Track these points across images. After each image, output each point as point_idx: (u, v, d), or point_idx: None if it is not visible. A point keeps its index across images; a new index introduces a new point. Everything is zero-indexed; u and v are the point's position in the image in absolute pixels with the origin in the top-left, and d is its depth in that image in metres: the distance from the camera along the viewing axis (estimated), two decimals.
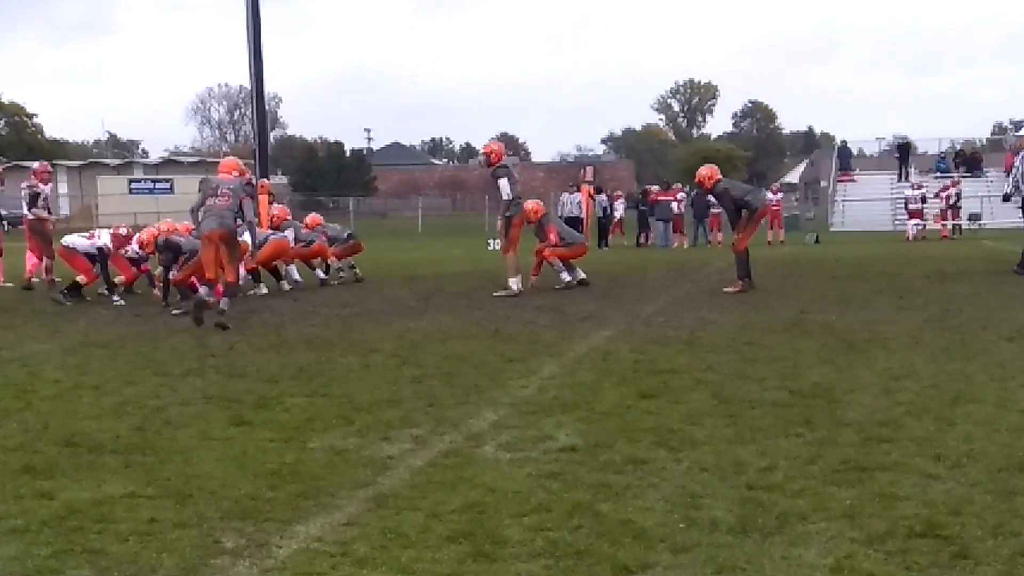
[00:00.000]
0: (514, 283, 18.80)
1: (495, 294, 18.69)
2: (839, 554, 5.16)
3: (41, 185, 21.58)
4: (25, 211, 21.07)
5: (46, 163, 23.03)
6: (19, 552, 5.37)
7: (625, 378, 9.94)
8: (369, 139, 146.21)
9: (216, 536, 5.60)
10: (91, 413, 8.76)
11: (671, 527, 5.63)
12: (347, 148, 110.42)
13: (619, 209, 43.39)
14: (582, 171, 40.61)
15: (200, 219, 15.28)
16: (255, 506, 6.10)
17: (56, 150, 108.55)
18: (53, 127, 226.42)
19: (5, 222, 21.71)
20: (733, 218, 19.32)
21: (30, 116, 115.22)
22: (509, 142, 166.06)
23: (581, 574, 4.97)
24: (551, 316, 15.27)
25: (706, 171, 19.68)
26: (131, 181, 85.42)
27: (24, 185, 21.34)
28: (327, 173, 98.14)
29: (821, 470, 6.66)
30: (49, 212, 21.53)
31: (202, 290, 14.85)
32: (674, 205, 39.74)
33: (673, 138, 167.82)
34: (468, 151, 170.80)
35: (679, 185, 44.64)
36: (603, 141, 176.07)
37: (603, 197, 41.20)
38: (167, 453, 7.38)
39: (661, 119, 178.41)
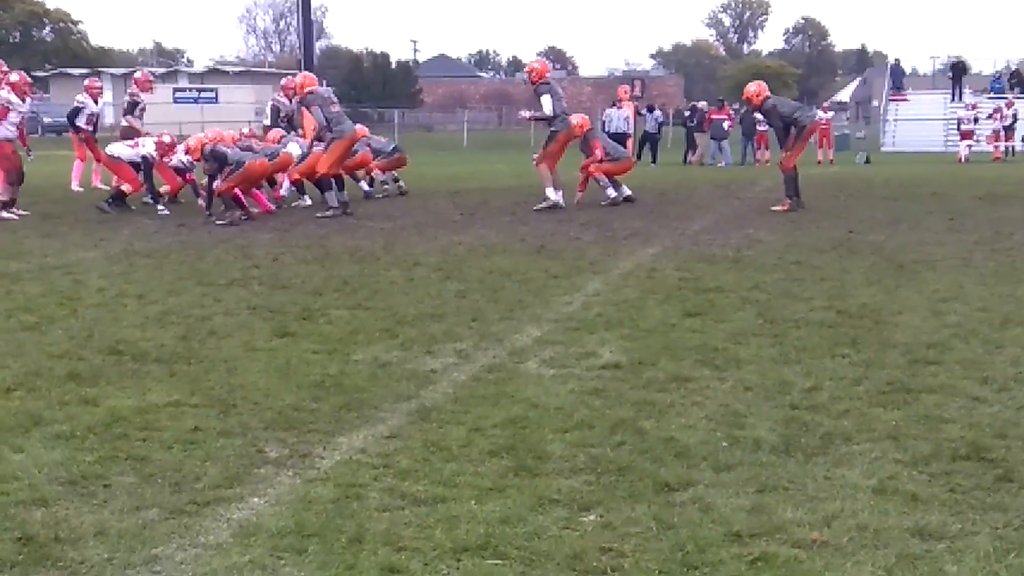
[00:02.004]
0: (552, 193, 18.70)
1: (536, 207, 18.62)
2: (883, 475, 5.13)
3: (142, 94, 21.72)
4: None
5: (148, 72, 22.87)
6: (64, 458, 5.40)
7: (670, 296, 9.90)
8: (415, 51, 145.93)
9: (259, 446, 5.62)
10: (135, 322, 8.80)
11: (714, 445, 5.61)
12: (393, 60, 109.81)
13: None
14: (622, 87, 40.16)
15: (335, 125, 17.39)
16: (298, 417, 6.12)
17: (101, 58, 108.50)
18: (98, 35, 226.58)
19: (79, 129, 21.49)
20: (781, 136, 19.05)
21: (75, 23, 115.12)
22: (557, 56, 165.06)
23: (622, 491, 4.95)
24: (596, 233, 15.21)
25: (754, 88, 19.40)
26: (176, 90, 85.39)
27: (128, 92, 21.60)
28: (372, 85, 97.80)
29: (867, 391, 6.62)
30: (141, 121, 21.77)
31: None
32: (726, 124, 39.33)
33: (723, 54, 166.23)
34: (515, 64, 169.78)
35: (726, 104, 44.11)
36: (652, 56, 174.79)
37: (658, 114, 40.82)
38: (211, 363, 7.41)
39: (712, 34, 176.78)
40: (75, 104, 21.54)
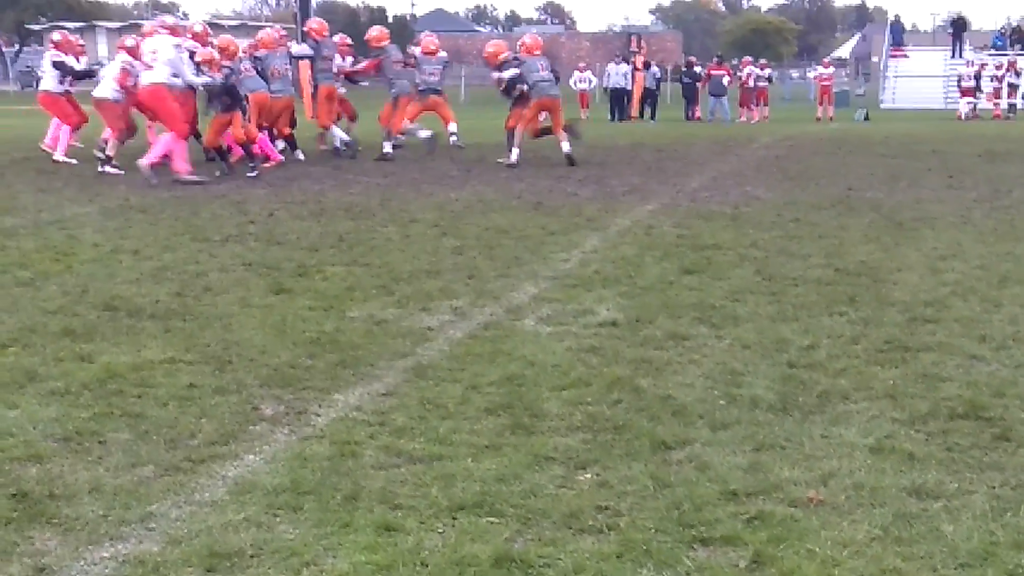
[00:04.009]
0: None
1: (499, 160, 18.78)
2: (880, 434, 5.12)
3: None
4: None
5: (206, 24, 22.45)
6: (59, 414, 5.40)
7: (668, 253, 9.88)
8: (412, 4, 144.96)
9: (255, 403, 5.61)
10: (130, 277, 8.77)
11: (711, 404, 5.60)
12: (390, 14, 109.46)
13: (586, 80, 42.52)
14: (631, 41, 40.03)
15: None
16: (294, 374, 6.11)
17: (96, 11, 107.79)
18: None
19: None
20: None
21: None
22: (556, 11, 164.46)
23: (619, 449, 4.95)
24: (594, 189, 15.17)
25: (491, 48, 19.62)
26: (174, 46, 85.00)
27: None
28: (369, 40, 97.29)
29: (864, 349, 6.61)
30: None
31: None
32: (725, 80, 39.15)
33: (723, 9, 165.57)
34: (512, 19, 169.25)
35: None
36: (651, 12, 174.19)
37: (655, 70, 40.65)
38: (206, 319, 7.39)
39: None
40: (55, 59, 20.76)
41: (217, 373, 6.13)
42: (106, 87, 18.00)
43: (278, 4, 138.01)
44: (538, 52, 20.00)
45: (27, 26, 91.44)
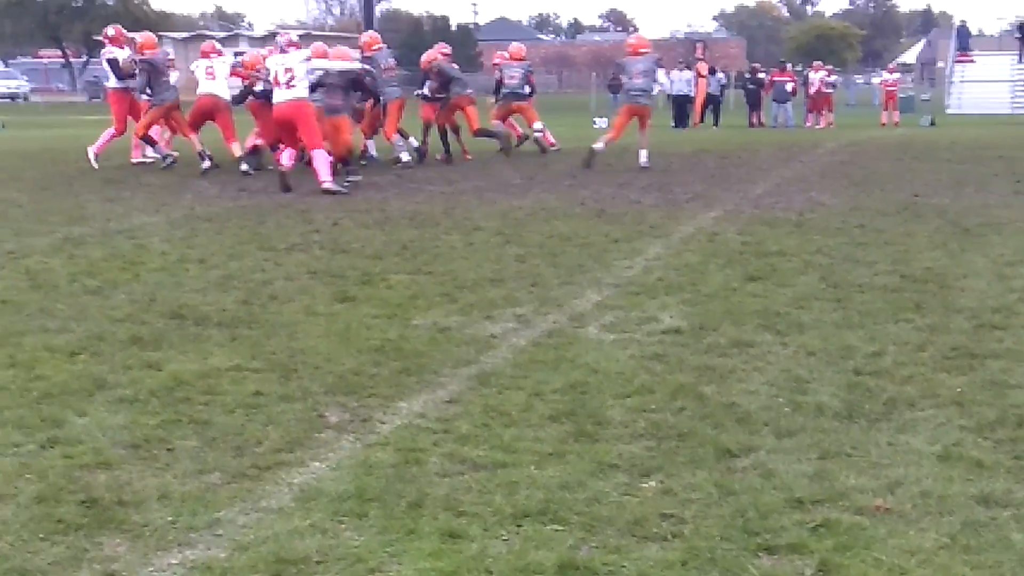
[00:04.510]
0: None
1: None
2: (947, 441, 5.08)
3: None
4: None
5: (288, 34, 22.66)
6: (128, 421, 5.45)
7: (732, 260, 9.84)
8: (475, 13, 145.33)
9: (320, 410, 5.65)
10: (197, 286, 8.85)
11: (775, 411, 5.58)
12: (453, 23, 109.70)
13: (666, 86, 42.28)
14: (695, 48, 39.93)
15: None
16: (359, 381, 6.13)
17: (162, 22, 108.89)
18: None
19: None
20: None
21: None
22: (618, 18, 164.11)
23: (683, 456, 4.94)
24: (657, 196, 15.13)
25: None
26: (236, 54, 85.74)
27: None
28: (432, 48, 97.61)
29: (931, 356, 6.56)
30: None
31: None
32: (789, 86, 38.88)
33: (787, 15, 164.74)
34: (575, 27, 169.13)
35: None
36: (715, 18, 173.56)
37: (720, 76, 40.48)
38: (272, 327, 7.44)
39: None
40: (109, 57, 20.74)
41: (283, 381, 6.17)
42: (220, 86, 19.03)
43: (342, 13, 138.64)
44: (519, 60, 22.53)
45: (95, 37, 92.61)
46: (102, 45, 21.39)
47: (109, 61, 20.21)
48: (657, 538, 4.10)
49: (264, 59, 18.25)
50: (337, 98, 16.59)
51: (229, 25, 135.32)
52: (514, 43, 24.14)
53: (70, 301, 8.26)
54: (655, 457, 4.94)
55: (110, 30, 20.82)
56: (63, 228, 12.05)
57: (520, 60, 22.74)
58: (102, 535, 4.14)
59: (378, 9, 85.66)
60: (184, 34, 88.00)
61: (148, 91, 19.47)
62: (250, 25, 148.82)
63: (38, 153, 21.25)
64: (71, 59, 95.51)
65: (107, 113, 21.06)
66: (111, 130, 20.27)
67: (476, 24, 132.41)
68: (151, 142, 19.63)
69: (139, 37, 20.27)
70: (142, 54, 19.70)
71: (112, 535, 4.14)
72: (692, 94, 37.59)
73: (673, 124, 36.68)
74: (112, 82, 20.39)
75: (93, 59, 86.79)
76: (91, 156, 19.80)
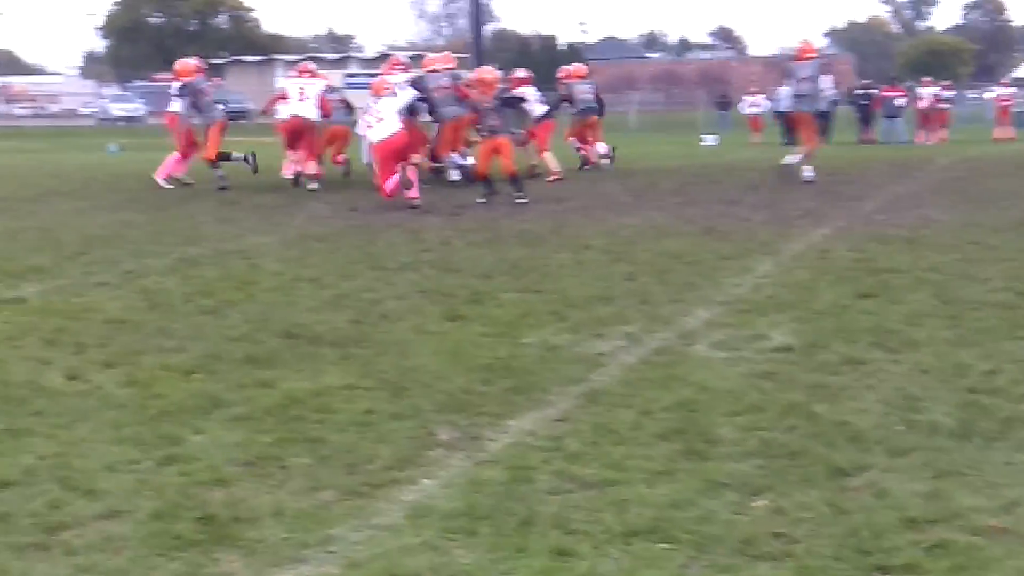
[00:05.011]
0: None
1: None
2: None
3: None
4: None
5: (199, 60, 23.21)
6: (243, 439, 5.53)
7: (843, 277, 9.75)
8: (583, 32, 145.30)
9: (431, 428, 5.68)
10: (310, 305, 8.95)
11: (888, 429, 5.52)
12: (561, 42, 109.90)
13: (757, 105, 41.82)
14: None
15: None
16: (469, 400, 6.17)
17: (274, 45, 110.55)
18: (272, 22, 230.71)
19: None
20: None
21: (249, 10, 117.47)
22: (726, 36, 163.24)
23: (795, 475, 4.90)
24: (767, 213, 15.03)
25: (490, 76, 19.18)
26: (347, 75, 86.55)
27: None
28: (540, 67, 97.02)
29: None
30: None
31: None
32: (900, 101, 38.41)
33: (898, 31, 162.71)
34: (683, 45, 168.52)
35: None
36: (825, 34, 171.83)
37: (830, 92, 40.03)
38: (383, 346, 7.51)
39: (889, 11, 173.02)
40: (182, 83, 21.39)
41: (394, 399, 6.22)
42: (308, 108, 19.52)
43: (452, 34, 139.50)
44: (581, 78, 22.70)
45: (209, 61, 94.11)
46: (215, 69, 22.19)
47: (181, 86, 20.77)
48: (768, 557, 4.08)
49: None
50: (494, 119, 16.89)
51: (340, 47, 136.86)
52: (578, 63, 24.45)
53: (186, 321, 8.40)
54: (766, 475, 4.91)
55: (192, 61, 21.61)
56: (179, 248, 12.26)
57: (583, 78, 22.91)
58: (218, 551, 4.20)
59: (487, 29, 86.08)
60: (296, 56, 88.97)
61: (196, 114, 20.21)
62: (361, 47, 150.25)
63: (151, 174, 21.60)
64: None
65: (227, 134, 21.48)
66: (177, 154, 20.93)
67: (584, 43, 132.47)
68: (225, 158, 20.30)
69: (176, 65, 20.96)
70: (179, 81, 20.46)
71: (228, 551, 4.21)
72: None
73: (782, 141, 36.39)
74: (173, 107, 21.17)
75: (206, 83, 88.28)
76: (162, 180, 20.49)
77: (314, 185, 19.30)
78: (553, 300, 9.00)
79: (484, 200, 16.49)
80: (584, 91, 22.79)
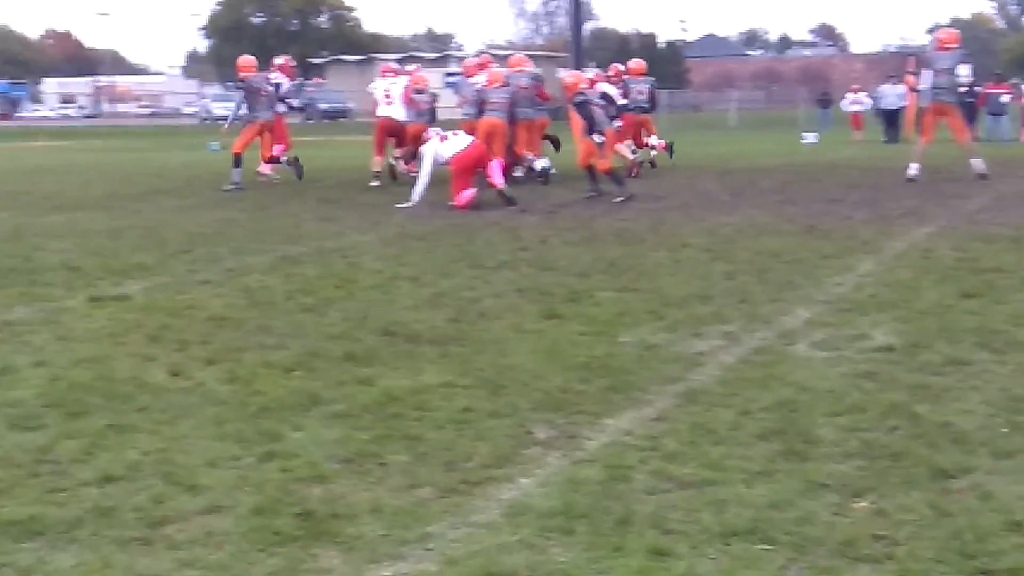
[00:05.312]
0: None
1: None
2: None
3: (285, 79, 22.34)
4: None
5: (290, 58, 23.63)
6: (342, 436, 5.58)
7: (946, 276, 9.61)
8: (684, 30, 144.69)
9: (528, 427, 5.69)
10: (408, 303, 9.00)
11: (993, 431, 5.43)
12: (661, 40, 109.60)
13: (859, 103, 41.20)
14: (909, 62, 39.08)
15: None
16: (566, 398, 6.17)
17: (374, 44, 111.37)
18: (372, 21, 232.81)
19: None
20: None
21: (350, 10, 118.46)
22: (828, 33, 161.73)
23: (896, 477, 4.84)
24: (868, 212, 14.86)
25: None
26: (447, 74, 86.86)
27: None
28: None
29: None
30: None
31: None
32: (1004, 98, 37.74)
33: (1003, 26, 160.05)
34: (784, 42, 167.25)
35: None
36: (928, 31, 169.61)
37: None
38: (481, 344, 7.53)
39: (993, 7, 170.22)
40: (275, 82, 21.69)
41: (491, 397, 6.24)
42: (395, 108, 20.15)
43: (551, 33, 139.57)
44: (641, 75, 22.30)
45: (309, 60, 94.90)
46: (315, 68, 22.67)
47: (275, 86, 21.40)
48: (869, 560, 4.03)
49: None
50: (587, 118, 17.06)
51: (440, 46, 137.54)
52: (635, 59, 24.20)
53: (287, 318, 8.48)
54: (867, 477, 4.86)
55: (280, 59, 22.63)
56: (280, 247, 12.39)
57: (642, 75, 22.71)
58: (317, 547, 4.24)
59: (586, 27, 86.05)
60: (396, 56, 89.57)
61: (246, 110, 20.77)
62: (460, 46, 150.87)
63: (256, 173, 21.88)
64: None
65: (318, 134, 21.80)
66: (281, 147, 21.68)
67: (684, 41, 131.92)
68: (275, 160, 20.86)
69: (239, 60, 21.31)
70: (240, 76, 20.89)
71: (326, 547, 4.24)
72: (903, 107, 36.78)
73: (883, 139, 35.99)
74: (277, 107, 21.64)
75: (308, 82, 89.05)
76: (266, 172, 21.42)
77: (376, 183, 20.10)
78: (651, 299, 8.97)
79: (624, 199, 16.54)
80: (638, 89, 22.62)
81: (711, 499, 4.62)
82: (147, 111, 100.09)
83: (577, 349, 7.30)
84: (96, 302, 9.11)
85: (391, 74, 21.28)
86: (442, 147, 16.36)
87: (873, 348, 7.18)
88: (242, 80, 20.53)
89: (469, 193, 15.93)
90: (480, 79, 20.06)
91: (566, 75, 18.59)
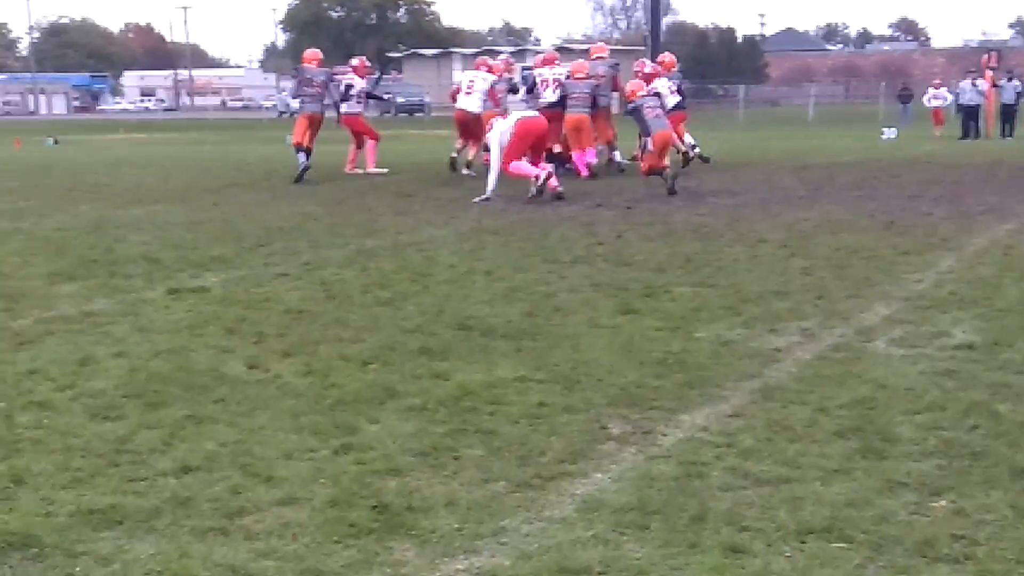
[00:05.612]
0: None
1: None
2: None
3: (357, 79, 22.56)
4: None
5: (366, 59, 23.94)
6: (417, 429, 5.59)
7: None
8: (762, 24, 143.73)
9: (603, 422, 5.68)
10: (483, 298, 9.00)
11: None
12: (739, 34, 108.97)
13: (940, 98, 40.60)
14: (985, 57, 38.58)
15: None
16: (641, 394, 6.15)
17: (452, 38, 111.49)
18: (450, 15, 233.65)
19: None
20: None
21: (428, 4, 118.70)
22: (909, 27, 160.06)
23: (976, 476, 4.78)
24: (948, 208, 14.69)
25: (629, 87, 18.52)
26: (524, 68, 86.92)
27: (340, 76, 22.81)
28: (718, 60, 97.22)
29: None
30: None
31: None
32: None
33: None
34: (864, 36, 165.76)
35: None
36: (1011, 25, 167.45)
37: (1016, 83, 38.94)
38: (556, 339, 7.52)
39: None
40: (345, 83, 22.13)
41: (566, 392, 6.23)
42: (472, 101, 20.79)
43: (628, 27, 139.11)
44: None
45: (387, 54, 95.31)
46: (392, 62, 23.08)
47: (345, 86, 21.87)
48: (948, 560, 3.98)
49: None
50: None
51: (517, 40, 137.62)
52: (667, 53, 24.08)
53: (363, 312, 8.52)
54: (946, 476, 4.80)
55: (354, 60, 23.02)
56: (356, 240, 12.44)
57: (671, 70, 22.49)
58: (392, 540, 4.25)
59: (664, 22, 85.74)
60: (473, 50, 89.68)
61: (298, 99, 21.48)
62: (537, 40, 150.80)
63: (333, 167, 22.01)
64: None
65: (394, 127, 22.01)
66: (370, 142, 22.34)
67: (762, 35, 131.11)
68: (307, 152, 20.73)
69: (306, 51, 21.96)
70: (301, 66, 21.64)
71: (401, 540, 4.25)
72: (983, 103, 36.32)
73: (961, 135, 35.56)
74: (343, 107, 21.98)
75: (385, 76, 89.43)
76: (373, 171, 21.84)
77: (467, 171, 20.76)
78: (727, 294, 8.92)
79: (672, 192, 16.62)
80: (663, 85, 22.43)
81: (787, 496, 4.58)
82: (238, 104, 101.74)
83: (653, 344, 7.28)
84: (175, 294, 9.20)
85: (484, 67, 21.46)
86: (503, 124, 16.58)
87: (953, 346, 7.10)
88: (297, 68, 20.93)
89: (540, 170, 16.28)
90: (551, 72, 20.38)
91: (629, 83, 18.55)
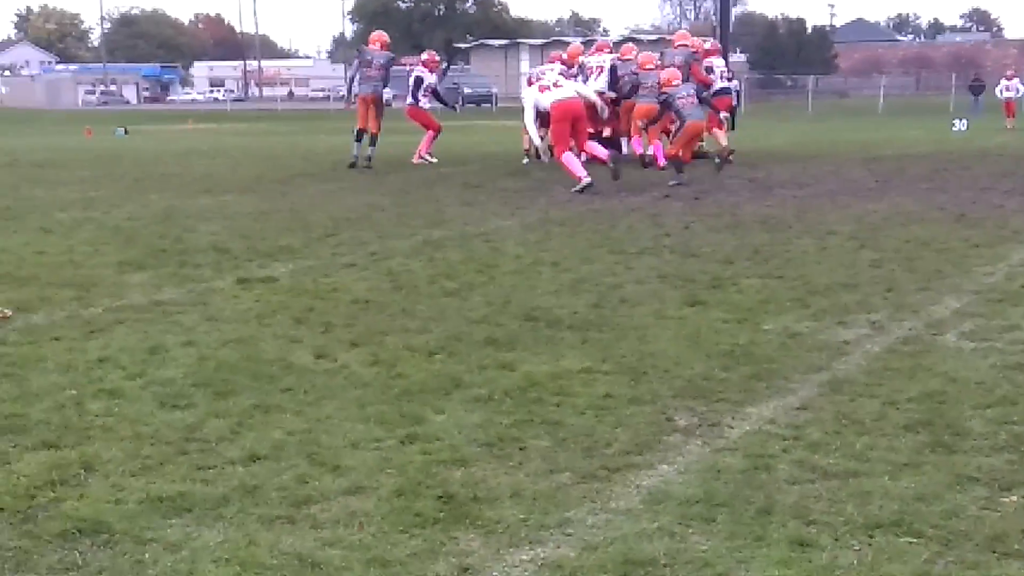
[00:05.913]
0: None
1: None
2: None
3: (428, 73, 22.78)
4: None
5: (435, 53, 24.22)
6: (482, 420, 5.60)
7: None
8: (832, 15, 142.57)
9: (669, 414, 5.66)
10: (550, 289, 9.00)
11: None
12: (808, 25, 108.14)
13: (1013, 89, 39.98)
14: None
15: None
16: (708, 386, 6.12)
17: (520, 29, 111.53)
18: (518, 6, 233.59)
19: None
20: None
21: None
22: (981, 18, 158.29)
23: None
24: (1020, 200, 14.52)
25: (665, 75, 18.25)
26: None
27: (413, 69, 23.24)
28: (787, 51, 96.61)
29: None
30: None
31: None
32: None
33: None
34: (935, 27, 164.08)
35: None
36: None
37: None
38: (622, 330, 7.50)
39: None
40: (415, 76, 22.61)
41: (632, 383, 6.22)
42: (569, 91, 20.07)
43: (696, 17, 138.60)
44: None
45: (454, 45, 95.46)
46: (460, 52, 23.31)
47: (415, 79, 22.35)
48: (1019, 556, 3.94)
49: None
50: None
51: (585, 31, 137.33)
52: (710, 38, 23.96)
53: (430, 302, 8.54)
54: (1017, 471, 4.74)
55: (424, 55, 23.46)
56: (423, 231, 12.47)
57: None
58: (457, 530, 4.26)
59: (733, 12, 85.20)
60: (541, 40, 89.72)
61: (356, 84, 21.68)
62: (606, 31, 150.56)
63: (400, 158, 22.10)
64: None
65: (461, 119, 22.10)
66: (429, 132, 22.60)
67: (832, 26, 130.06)
68: (373, 137, 21.13)
69: (373, 33, 22.27)
70: (364, 46, 21.95)
71: (467, 531, 4.26)
72: None
73: None
74: (409, 99, 22.48)
75: (452, 67, 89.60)
76: (427, 159, 22.23)
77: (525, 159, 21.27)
78: (795, 286, 8.87)
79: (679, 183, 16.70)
80: (719, 64, 22.22)
81: (855, 490, 4.55)
82: (322, 94, 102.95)
83: (720, 336, 7.25)
84: (244, 283, 9.26)
85: (558, 61, 21.48)
86: (542, 97, 16.64)
87: None
88: (359, 49, 21.13)
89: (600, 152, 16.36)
90: (597, 60, 20.64)
91: (664, 71, 18.47)
